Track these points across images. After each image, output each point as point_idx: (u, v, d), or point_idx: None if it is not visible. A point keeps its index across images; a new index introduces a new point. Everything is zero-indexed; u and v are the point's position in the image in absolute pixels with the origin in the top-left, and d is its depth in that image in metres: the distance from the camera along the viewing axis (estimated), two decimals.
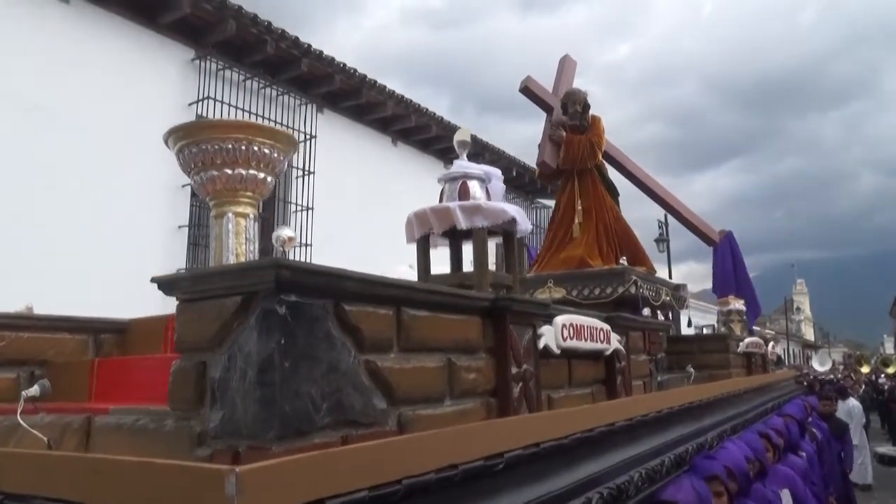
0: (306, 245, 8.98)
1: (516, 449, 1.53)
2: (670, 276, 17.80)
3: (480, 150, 12.31)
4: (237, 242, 2.55)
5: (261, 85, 8.78)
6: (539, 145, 4.68)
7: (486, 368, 1.77)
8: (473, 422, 1.63)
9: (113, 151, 7.04)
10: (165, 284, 1.31)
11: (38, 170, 6.45)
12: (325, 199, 9.29)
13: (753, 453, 3.25)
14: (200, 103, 7.94)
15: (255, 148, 2.50)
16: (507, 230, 2.80)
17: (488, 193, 2.79)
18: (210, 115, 7.84)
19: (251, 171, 2.53)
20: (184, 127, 2.47)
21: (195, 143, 2.46)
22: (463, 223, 2.55)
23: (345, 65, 9.49)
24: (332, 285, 1.29)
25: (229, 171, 2.50)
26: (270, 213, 9.15)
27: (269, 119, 8.70)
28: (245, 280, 1.19)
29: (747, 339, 5.34)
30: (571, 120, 4.59)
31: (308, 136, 9.27)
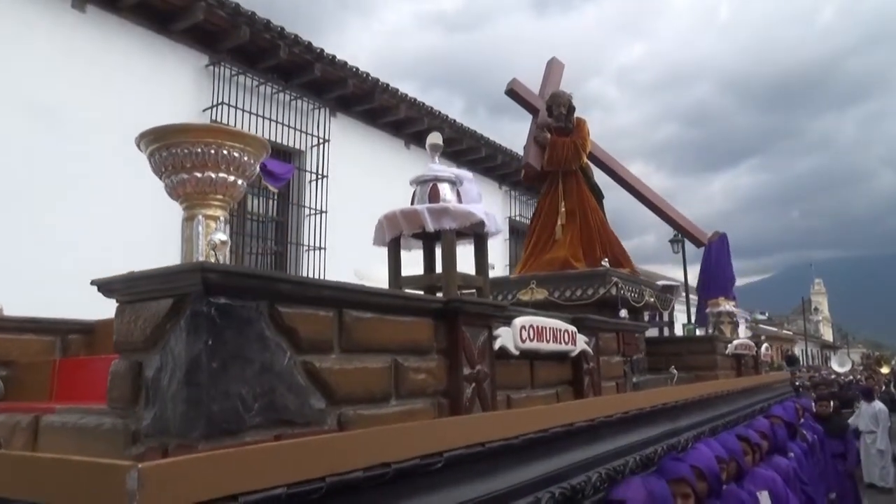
0: (320, 249, 9.01)
1: (458, 448, 1.56)
2: (686, 278, 17.48)
3: (493, 153, 12.36)
4: (207, 245, 2.59)
5: (274, 90, 8.85)
6: (524, 147, 4.70)
7: (438, 369, 1.79)
8: (418, 421, 1.66)
9: (128, 158, 7.09)
10: (104, 286, 1.35)
11: (51, 174, 6.50)
12: (338, 202, 9.32)
13: (729, 454, 3.26)
14: (214, 109, 8.03)
15: (225, 152, 2.53)
16: (477, 232, 2.83)
17: (459, 196, 2.82)
18: (224, 121, 7.94)
19: (221, 175, 2.57)
20: (154, 131, 2.51)
21: (165, 146, 2.50)
22: (431, 225, 2.58)
23: (357, 69, 9.55)
24: (266, 287, 1.32)
25: (199, 175, 2.53)
26: (285, 217, 9.30)
27: (283, 123, 8.78)
28: (174, 283, 1.23)
29: (736, 341, 5.34)
30: (556, 122, 4.60)
31: (321, 140, 9.34)
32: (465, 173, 2.83)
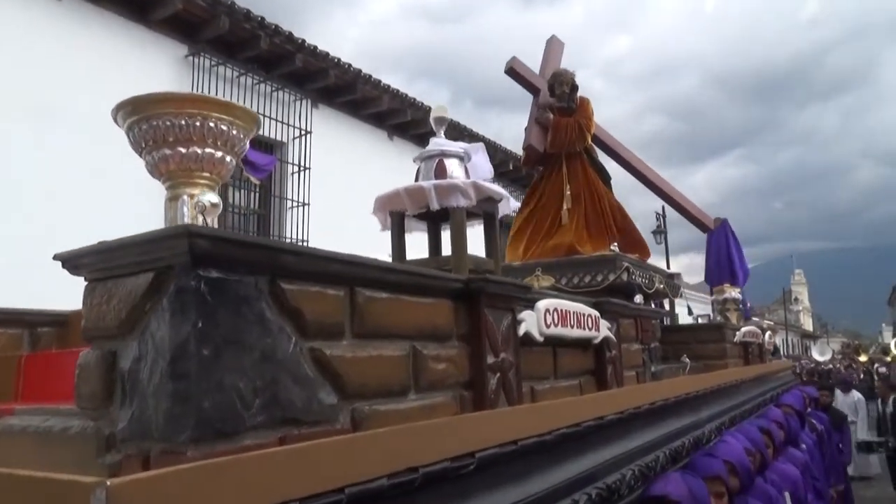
0: (303, 241, 8.86)
1: (490, 447, 1.35)
2: (668, 269, 17.44)
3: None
4: (194, 207, 2.35)
5: (255, 81, 8.68)
6: (525, 129, 4.49)
7: (459, 358, 1.58)
8: (442, 417, 1.44)
9: (106, 149, 6.91)
10: (70, 261, 1.12)
11: (32, 166, 6.26)
12: (321, 194, 9.15)
13: (754, 446, 3.08)
14: None
15: (212, 124, 2.29)
16: (487, 211, 2.61)
17: (467, 172, 2.60)
18: None
19: (208, 150, 2.33)
20: (133, 101, 2.27)
21: (145, 119, 2.27)
22: (436, 203, 2.36)
23: (339, 60, 9.40)
24: (267, 259, 1.10)
25: (183, 150, 2.29)
26: (267, 209, 9.11)
27: (264, 114, 8.60)
28: (156, 252, 1.00)
29: (744, 329, 5.17)
30: (559, 102, 4.39)
31: (303, 132, 9.16)
32: (475, 146, 2.61)
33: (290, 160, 9.09)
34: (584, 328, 2.17)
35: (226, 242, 1.02)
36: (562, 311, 2.01)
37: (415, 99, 10.83)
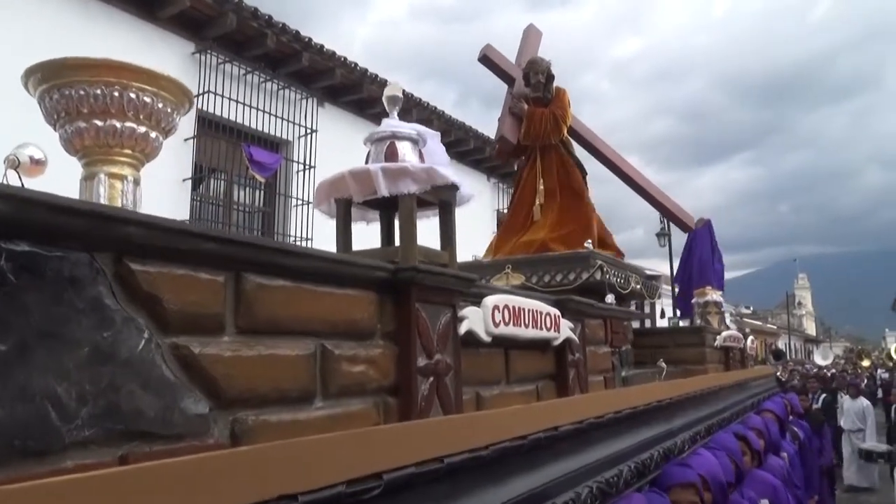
0: (307, 240, 8.75)
1: (406, 466, 1.13)
2: (671, 271, 16.69)
3: (482, 145, 12.19)
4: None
5: (261, 79, 8.64)
6: (498, 119, 4.28)
7: (383, 359, 1.36)
8: (357, 428, 1.23)
9: None
10: None
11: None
12: None
13: (728, 456, 2.88)
14: (201, 97, 7.83)
15: (132, 95, 2.06)
16: (443, 199, 2.39)
17: (422, 157, 2.38)
18: (211, 110, 7.83)
19: (128, 124, 2.10)
20: (43, 66, 2.04)
21: (57, 87, 2.04)
22: (385, 189, 2.13)
23: (345, 59, 9.41)
24: (107, 232, 0.87)
25: (99, 123, 2.06)
26: (272, 208, 9.10)
27: (270, 113, 8.62)
28: None
29: (725, 333, 4.99)
30: (534, 92, 4.17)
31: (309, 130, 9.12)
32: (431, 131, 2.39)
33: (295, 158, 9.05)
34: (542, 328, 1.96)
35: (41, 206, 0.79)
36: (514, 308, 1.80)
37: (420, 99, 10.90)
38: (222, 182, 8.65)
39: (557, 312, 2.07)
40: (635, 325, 5.49)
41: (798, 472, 5.07)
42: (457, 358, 1.54)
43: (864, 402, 9.91)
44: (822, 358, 24.70)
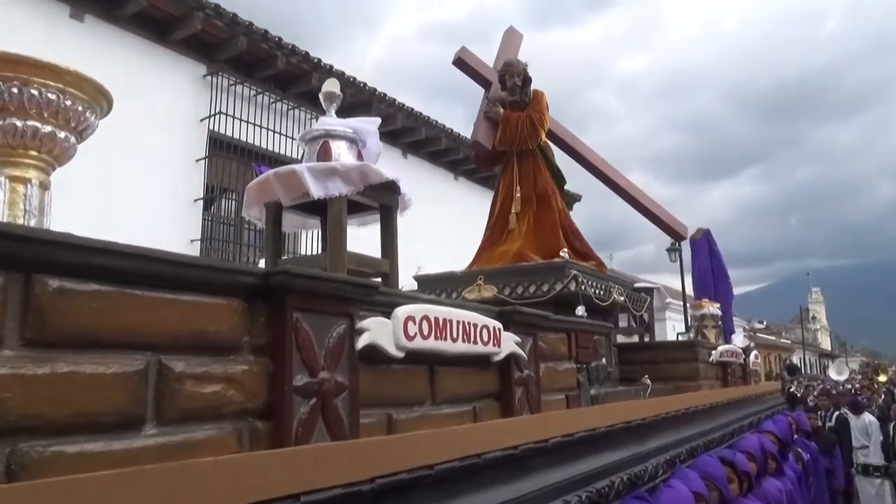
0: None
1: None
2: (682, 286, 15.88)
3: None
4: (11, 215, 1.97)
5: (272, 100, 8.77)
6: (474, 124, 4.10)
7: (249, 378, 1.18)
8: (208, 457, 1.04)
9: (126, 167, 6.97)
10: None
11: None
12: None
13: (710, 483, 2.65)
14: (212, 118, 7.97)
15: (34, 92, 1.91)
16: (384, 203, 2.22)
17: (360, 157, 2.21)
18: (222, 131, 7.97)
19: (31, 122, 1.94)
20: None
21: None
22: (314, 190, 1.97)
23: (355, 79, 9.55)
24: None
25: None
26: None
27: (281, 133, 8.71)
28: None
29: (721, 347, 4.74)
30: (511, 95, 3.99)
31: None
32: (370, 126, 2.22)
33: None
34: (476, 342, 1.76)
35: None
36: (436, 320, 1.61)
37: (429, 118, 11.07)
38: (234, 202, 8.64)
39: (498, 325, 1.88)
40: (628, 339, 5.26)
41: (804, 496, 4.79)
42: (353, 376, 1.35)
43: (868, 418, 9.54)
44: (837, 373, 24.18)
